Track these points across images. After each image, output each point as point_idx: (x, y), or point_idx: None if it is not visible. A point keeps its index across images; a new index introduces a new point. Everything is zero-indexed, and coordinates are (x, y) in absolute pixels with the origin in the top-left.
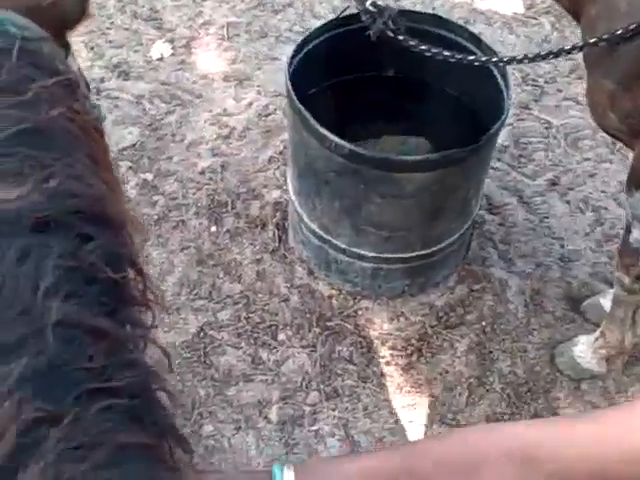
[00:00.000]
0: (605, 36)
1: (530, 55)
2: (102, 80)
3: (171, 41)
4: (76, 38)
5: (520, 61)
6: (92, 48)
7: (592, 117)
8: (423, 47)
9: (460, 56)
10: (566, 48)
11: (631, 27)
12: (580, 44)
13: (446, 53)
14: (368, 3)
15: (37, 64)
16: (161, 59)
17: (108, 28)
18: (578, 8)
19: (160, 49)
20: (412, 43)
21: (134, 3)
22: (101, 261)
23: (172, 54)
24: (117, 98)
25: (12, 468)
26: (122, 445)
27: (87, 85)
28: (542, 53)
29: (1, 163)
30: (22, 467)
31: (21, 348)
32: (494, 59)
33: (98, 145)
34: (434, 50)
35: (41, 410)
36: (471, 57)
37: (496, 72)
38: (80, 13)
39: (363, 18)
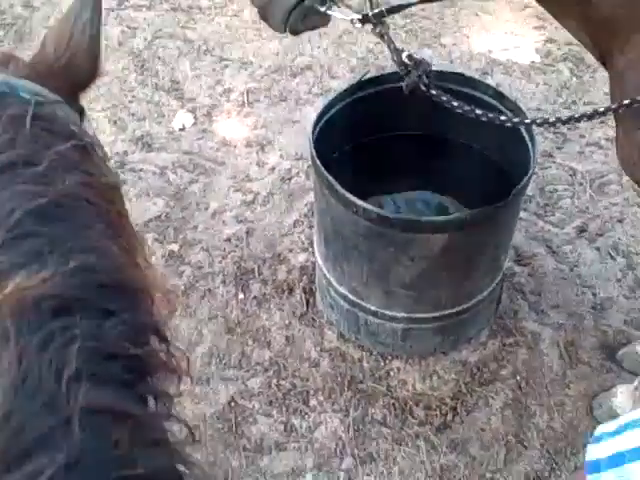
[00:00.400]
0: None
1: (563, 117)
2: (126, 153)
3: (192, 111)
4: (99, 113)
5: (552, 124)
6: (115, 122)
7: (623, 169)
8: (455, 104)
9: (492, 115)
10: (600, 110)
11: None
12: (614, 106)
13: (478, 112)
14: (404, 55)
15: (51, 129)
16: (183, 129)
17: (130, 101)
18: (607, 57)
19: (182, 119)
20: (444, 99)
21: (155, 75)
22: (123, 337)
23: (194, 123)
24: (141, 170)
25: None
26: None
27: (103, 151)
28: (576, 116)
29: (21, 245)
30: None
31: (48, 442)
32: (527, 121)
33: (115, 208)
34: (466, 108)
35: None
36: (503, 118)
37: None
38: (92, 73)
39: (398, 69)
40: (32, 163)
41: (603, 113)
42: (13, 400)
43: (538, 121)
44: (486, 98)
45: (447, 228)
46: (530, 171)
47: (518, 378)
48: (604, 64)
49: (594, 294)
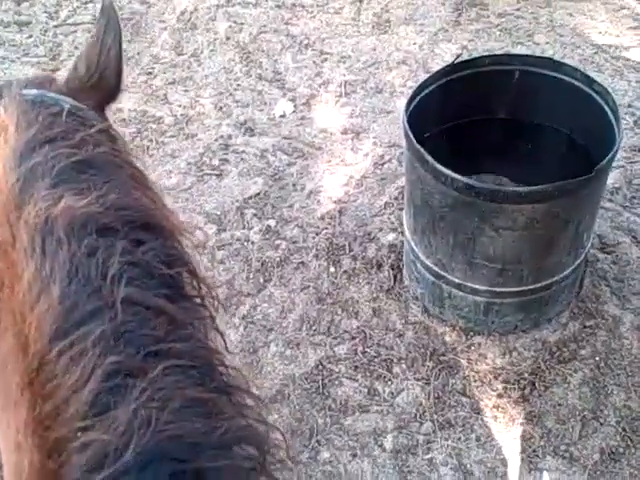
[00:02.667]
0: None
1: None
2: (230, 137)
3: (293, 99)
4: (206, 99)
5: None
6: (221, 108)
7: None
8: None
9: None
10: None
11: None
12: None
13: None
14: None
15: (82, 122)
16: (284, 116)
17: (235, 89)
18: None
19: (283, 107)
20: None
21: (259, 67)
22: (155, 260)
23: (293, 111)
24: (243, 152)
25: (105, 404)
26: (189, 398)
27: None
28: None
29: (66, 184)
30: (113, 405)
31: (97, 316)
32: None
33: (140, 173)
34: None
35: (117, 363)
36: None
37: (607, 107)
38: (117, 87)
39: None
40: (67, 138)
41: None
42: (67, 287)
43: None
44: (575, 82)
45: (531, 199)
46: (615, 147)
47: (597, 358)
48: None
49: None
